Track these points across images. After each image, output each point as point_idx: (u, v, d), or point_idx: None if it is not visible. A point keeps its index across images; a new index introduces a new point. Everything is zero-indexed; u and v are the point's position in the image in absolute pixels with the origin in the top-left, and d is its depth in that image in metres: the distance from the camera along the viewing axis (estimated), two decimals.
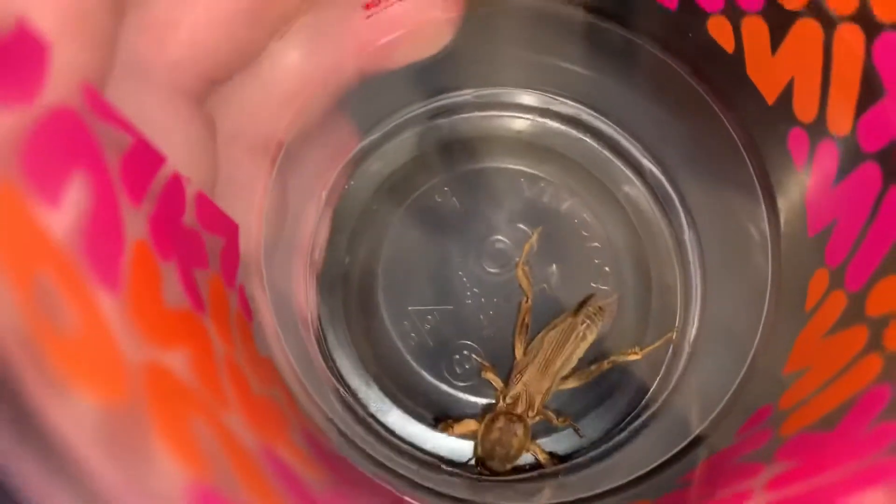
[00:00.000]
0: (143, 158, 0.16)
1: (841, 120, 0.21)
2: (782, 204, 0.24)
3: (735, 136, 0.26)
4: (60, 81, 0.13)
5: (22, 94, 0.12)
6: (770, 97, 0.23)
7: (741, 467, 0.20)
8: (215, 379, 0.15)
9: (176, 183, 0.17)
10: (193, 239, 0.18)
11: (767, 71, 0.23)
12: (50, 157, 0.12)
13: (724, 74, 0.25)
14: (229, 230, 0.21)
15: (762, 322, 0.24)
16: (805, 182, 0.23)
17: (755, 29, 0.22)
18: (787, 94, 0.23)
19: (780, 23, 0.22)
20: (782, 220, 0.24)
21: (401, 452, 0.27)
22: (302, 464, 0.16)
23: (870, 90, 0.20)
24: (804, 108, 0.22)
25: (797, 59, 0.22)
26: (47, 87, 0.12)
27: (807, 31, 0.21)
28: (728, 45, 0.24)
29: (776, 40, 0.22)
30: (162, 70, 0.18)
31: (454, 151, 0.30)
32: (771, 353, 0.23)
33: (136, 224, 0.15)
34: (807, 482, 0.16)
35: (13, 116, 0.11)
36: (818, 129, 0.22)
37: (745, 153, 0.25)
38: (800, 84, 0.22)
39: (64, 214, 0.12)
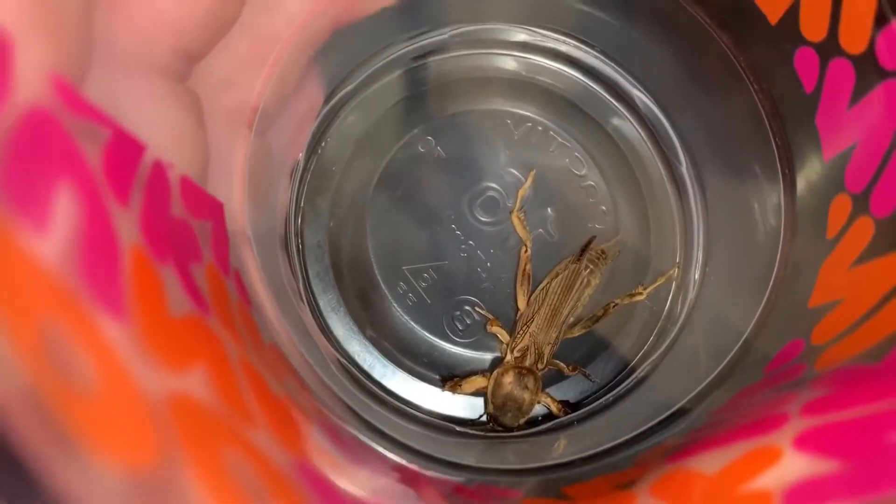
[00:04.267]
0: (124, 151, 0.14)
1: (856, 37, 0.20)
2: (791, 129, 0.23)
3: (734, 59, 0.24)
4: (29, 80, 0.11)
5: None
6: (773, 17, 0.22)
7: (774, 396, 0.19)
8: (236, 392, 0.13)
9: (159, 171, 0.16)
10: (184, 230, 0.16)
11: None
12: (30, 174, 0.10)
13: None
14: (215, 211, 0.19)
15: (778, 253, 0.23)
16: (815, 104, 0.22)
17: None
18: (792, 14, 0.21)
19: None
20: (792, 146, 0.23)
21: (411, 419, 0.26)
22: (331, 468, 0.15)
23: (890, 3, 0.19)
24: (812, 26, 0.21)
25: None
26: (15, 90, 0.11)
27: None
28: None
29: None
30: (135, 50, 0.16)
31: (434, 97, 0.28)
32: (792, 286, 0.22)
33: (127, 227, 0.13)
34: (849, 411, 0.16)
35: None
36: (829, 47, 0.21)
37: (745, 77, 0.24)
38: (807, 1, 0.21)
39: (54, 238, 0.10)
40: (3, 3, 0.11)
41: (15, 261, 0.09)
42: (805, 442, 0.15)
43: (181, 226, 0.16)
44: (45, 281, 0.09)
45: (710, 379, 0.24)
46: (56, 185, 0.11)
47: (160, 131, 0.16)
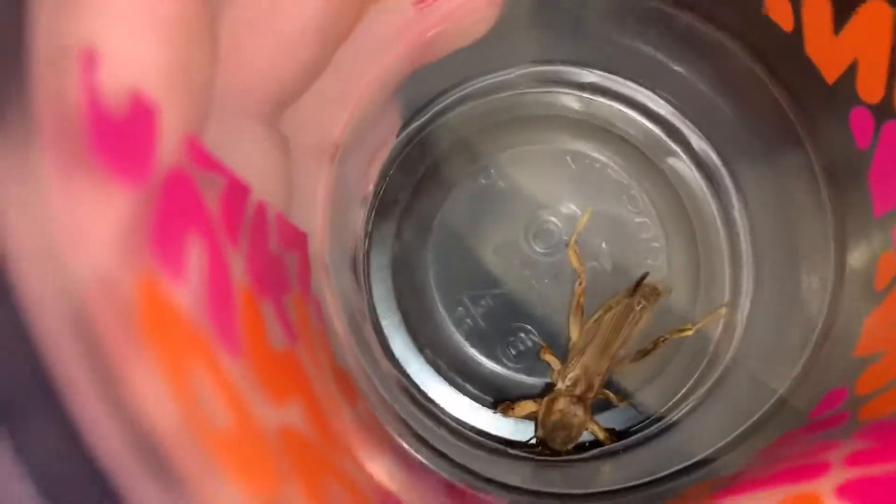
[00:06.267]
0: (236, 196, 0.16)
1: None
2: (843, 183, 0.24)
3: (790, 113, 0.25)
4: (169, 143, 0.13)
5: (141, 170, 0.11)
6: (830, 77, 0.23)
7: (817, 442, 0.20)
8: (325, 423, 0.15)
9: (261, 211, 0.17)
10: (278, 264, 0.18)
11: (829, 51, 0.23)
12: (171, 230, 0.12)
13: (781, 52, 0.24)
14: (301, 242, 0.21)
15: (826, 302, 0.24)
16: (868, 161, 0.23)
17: (818, 9, 0.22)
18: (849, 75, 0.22)
19: (845, 3, 0.21)
20: (843, 200, 0.24)
21: (464, 439, 0.27)
22: (403, 493, 0.16)
23: None
24: (869, 88, 0.22)
25: (863, 40, 0.21)
26: (159, 154, 0.12)
27: (875, 13, 0.21)
28: (787, 25, 0.23)
29: (840, 20, 0.22)
30: (236, 97, 0.17)
31: (498, 131, 0.30)
32: (838, 334, 0.23)
33: (238, 268, 0.15)
34: (892, 465, 0.17)
35: (137, 196, 0.11)
36: (884, 109, 0.22)
37: (800, 130, 0.25)
38: (864, 65, 0.22)
39: (188, 286, 0.12)
40: (154, 74, 0.13)
41: (164, 311, 0.11)
42: (847, 492, 0.16)
43: (276, 260, 0.18)
44: (185, 327, 0.11)
45: (753, 419, 0.25)
46: (187, 237, 0.13)
47: (259, 173, 0.18)
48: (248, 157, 0.18)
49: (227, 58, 0.17)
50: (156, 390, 0.09)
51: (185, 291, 0.12)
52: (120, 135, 0.11)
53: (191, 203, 0.13)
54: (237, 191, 0.16)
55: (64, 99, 0.10)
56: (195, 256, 0.12)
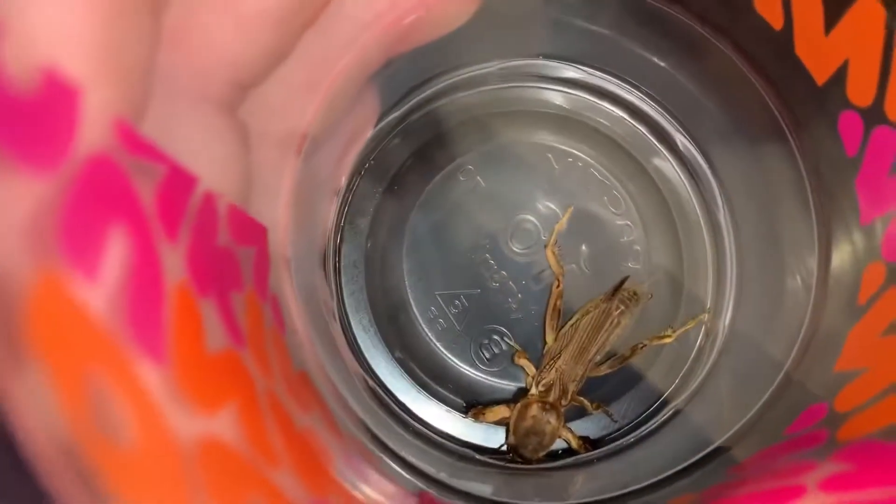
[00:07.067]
0: (177, 187, 0.15)
1: None
2: (830, 188, 0.23)
3: (778, 115, 0.24)
4: (93, 127, 0.12)
5: (53, 156, 0.10)
6: (820, 78, 0.22)
7: (793, 463, 0.19)
8: (262, 431, 0.14)
9: (209, 202, 0.16)
10: (228, 259, 0.17)
11: (819, 51, 0.22)
12: (86, 222, 0.11)
13: (770, 52, 0.23)
14: (259, 236, 0.20)
15: (808, 312, 0.23)
16: (857, 167, 0.22)
17: (808, 7, 0.21)
18: (839, 76, 0.21)
19: (836, 1, 0.20)
20: (830, 206, 0.23)
21: (432, 444, 0.27)
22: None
23: None
24: (859, 91, 0.21)
25: (854, 40, 0.21)
26: (79, 140, 0.11)
27: (868, 12, 0.20)
28: (776, 22, 0.22)
29: (831, 19, 0.21)
30: (190, 80, 0.16)
31: (478, 127, 0.29)
32: (820, 347, 0.22)
33: (174, 264, 0.14)
34: (868, 491, 0.16)
35: (45, 184, 0.10)
36: (874, 114, 0.21)
37: (788, 133, 0.24)
38: (855, 66, 0.21)
39: (103, 286, 0.11)
40: (75, 53, 0.11)
41: (64, 311, 0.10)
42: None
43: (225, 255, 0.17)
44: (91, 331, 0.10)
45: (731, 432, 0.24)
46: (109, 230, 0.11)
47: (211, 162, 0.17)
48: (198, 144, 0.17)
49: (178, 37, 0.16)
50: (39, 402, 0.08)
51: (99, 290, 0.11)
52: (28, 116, 0.10)
53: (116, 193, 0.12)
54: (179, 181, 0.15)
55: None
56: (117, 252, 0.11)
